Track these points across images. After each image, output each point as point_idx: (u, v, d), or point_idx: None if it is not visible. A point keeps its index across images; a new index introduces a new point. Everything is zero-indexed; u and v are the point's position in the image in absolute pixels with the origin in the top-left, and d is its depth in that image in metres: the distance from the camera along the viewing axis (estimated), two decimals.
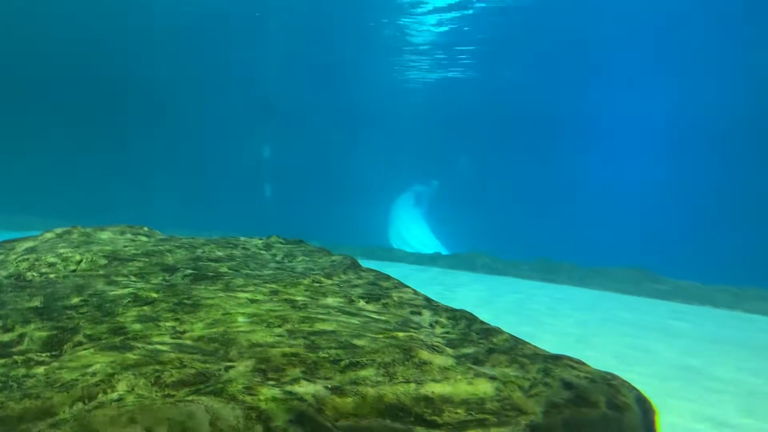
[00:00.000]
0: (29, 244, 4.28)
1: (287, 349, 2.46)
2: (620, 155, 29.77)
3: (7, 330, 2.75)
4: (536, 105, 26.71)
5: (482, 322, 3.00)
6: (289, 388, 2.13)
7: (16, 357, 2.46)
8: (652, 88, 23.52)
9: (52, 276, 3.55)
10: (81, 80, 26.55)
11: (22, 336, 2.71)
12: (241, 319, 2.83)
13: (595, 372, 2.39)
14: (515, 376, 2.28)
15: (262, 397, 2.04)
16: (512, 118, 28.31)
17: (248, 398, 2.03)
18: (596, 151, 29.90)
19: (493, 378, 2.24)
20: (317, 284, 3.71)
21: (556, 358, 2.47)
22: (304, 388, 2.13)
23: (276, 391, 2.09)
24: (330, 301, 3.33)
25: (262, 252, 4.88)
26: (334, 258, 4.70)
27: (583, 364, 2.46)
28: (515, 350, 2.57)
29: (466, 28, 19.60)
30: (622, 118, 26.93)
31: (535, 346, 2.66)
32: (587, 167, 30.30)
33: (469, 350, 2.56)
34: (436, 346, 2.54)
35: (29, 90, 26.88)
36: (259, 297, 3.24)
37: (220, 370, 2.29)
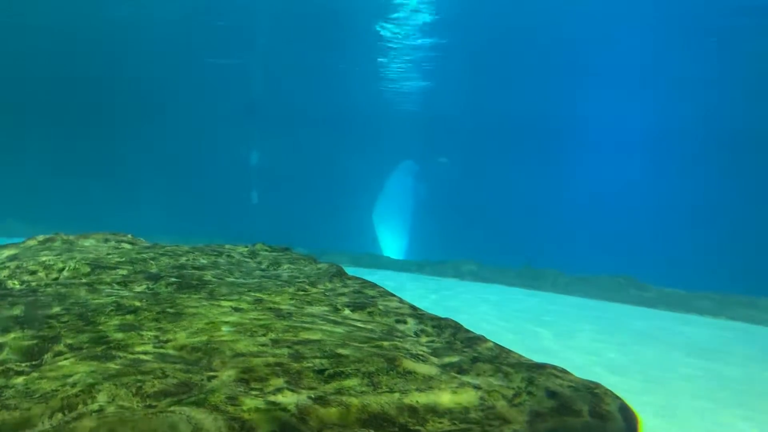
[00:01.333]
0: (11, 251, 4.23)
1: (271, 359, 2.45)
2: (606, 161, 30.00)
3: None
4: (521, 109, 26.82)
5: (467, 331, 3.01)
6: (272, 398, 2.12)
7: None
8: (638, 94, 23.74)
9: (33, 284, 3.51)
10: (65, 84, 26.37)
11: (1, 345, 2.67)
12: (224, 328, 2.81)
13: (578, 381, 2.40)
14: (499, 386, 2.29)
15: (245, 408, 2.02)
16: (500, 122, 28.42)
17: (231, 408, 2.01)
18: (582, 157, 30.12)
19: (477, 387, 2.24)
20: (302, 293, 3.70)
21: (540, 367, 2.47)
22: (288, 398, 2.12)
23: (259, 402, 2.07)
24: (315, 309, 3.32)
25: (247, 260, 4.86)
26: (320, 266, 4.69)
27: (567, 372, 2.47)
28: (499, 359, 2.58)
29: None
30: (610, 123, 27.15)
31: (519, 355, 2.67)
32: (573, 173, 30.50)
33: (454, 359, 2.56)
34: (421, 355, 2.53)
35: (13, 95, 26.65)
36: (244, 306, 3.22)
37: (202, 380, 2.28)
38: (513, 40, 20.05)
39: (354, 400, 2.12)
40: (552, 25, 18.48)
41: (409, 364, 2.38)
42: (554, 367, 2.49)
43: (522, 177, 30.63)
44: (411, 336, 2.98)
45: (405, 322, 3.16)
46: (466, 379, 2.32)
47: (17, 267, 3.74)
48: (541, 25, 18.67)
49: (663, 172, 28.91)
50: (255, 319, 2.97)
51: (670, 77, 21.65)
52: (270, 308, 3.22)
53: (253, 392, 2.17)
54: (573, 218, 29.30)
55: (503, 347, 2.76)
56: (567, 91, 24.43)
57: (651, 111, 25.08)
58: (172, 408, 2.02)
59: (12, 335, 2.72)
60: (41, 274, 3.69)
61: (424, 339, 2.94)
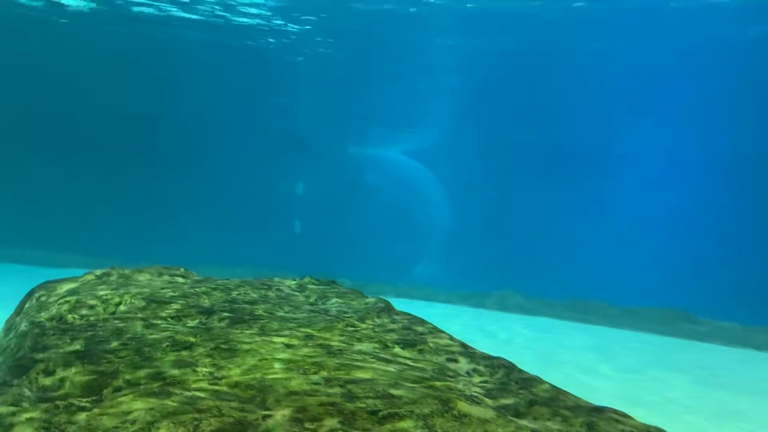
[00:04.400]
0: (70, 285, 4.36)
1: (324, 398, 2.44)
2: (657, 188, 29.28)
3: (48, 374, 2.79)
4: (570, 137, 26.62)
5: (521, 371, 2.95)
6: None
7: (57, 402, 2.49)
8: (692, 121, 23.33)
9: (92, 318, 3.60)
10: (115, 116, 27.40)
11: (63, 380, 2.74)
12: (277, 365, 2.83)
13: (640, 426, 2.32)
14: (558, 430, 2.23)
15: None
16: (547, 149, 28.17)
17: None
18: (632, 184, 29.46)
19: None
20: (351, 328, 3.70)
21: (600, 411, 2.40)
22: None
23: None
24: (365, 346, 3.31)
25: (295, 293, 4.89)
26: (367, 300, 4.69)
27: (629, 417, 2.39)
28: (556, 402, 2.51)
29: None
30: (664, 149, 26.65)
31: (576, 397, 2.60)
32: (622, 201, 29.85)
33: (509, 401, 2.51)
34: (475, 397, 2.49)
35: (63, 129, 27.80)
36: (295, 342, 3.24)
37: (257, 419, 2.29)
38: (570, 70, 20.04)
39: None
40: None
41: (464, 406, 2.34)
42: (614, 411, 2.41)
43: (568, 206, 30.17)
44: (463, 375, 2.94)
45: (456, 361, 3.12)
46: (523, 423, 2.27)
47: (77, 301, 3.86)
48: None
49: (717, 200, 28.07)
50: (306, 356, 2.98)
51: (723, 103, 21.23)
52: (321, 345, 3.23)
53: None
54: (622, 248, 28.61)
55: (559, 389, 2.69)
56: (620, 118, 24.21)
57: (704, 138, 24.55)
58: None
59: (73, 370, 2.79)
60: (99, 309, 3.80)
61: (476, 379, 2.89)
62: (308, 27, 18.60)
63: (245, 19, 18.30)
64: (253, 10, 17.43)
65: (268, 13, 17.65)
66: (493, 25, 17.38)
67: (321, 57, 21.67)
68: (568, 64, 20.60)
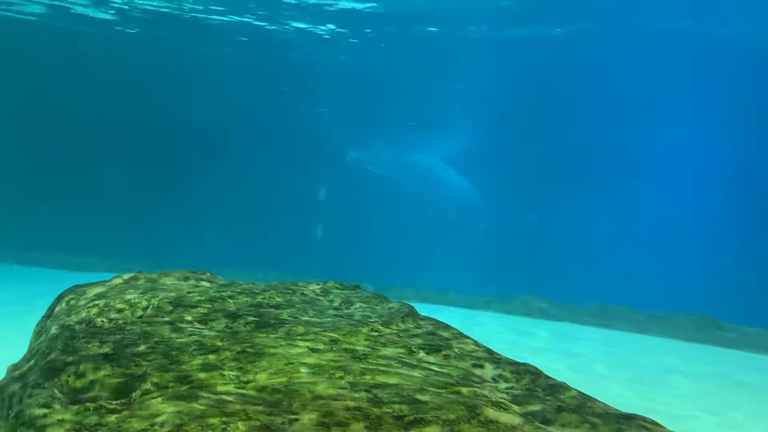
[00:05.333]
0: (99, 289, 4.43)
1: (350, 403, 2.45)
2: (682, 192, 28.85)
3: (79, 376, 2.83)
4: (592, 140, 26.39)
5: (547, 377, 2.92)
6: None
7: (88, 404, 2.52)
8: (715, 124, 22.99)
9: (120, 322, 3.65)
10: (138, 123, 27.81)
11: (93, 382, 2.78)
12: (303, 369, 2.84)
13: None
14: None
15: None
16: (570, 153, 27.94)
17: None
18: (656, 188, 29.08)
19: None
20: (376, 333, 3.70)
21: (629, 418, 2.37)
22: None
23: None
24: (389, 351, 3.31)
25: (319, 298, 4.91)
26: (391, 305, 4.69)
27: (658, 425, 2.36)
28: (584, 408, 2.49)
29: None
30: (688, 153, 26.28)
31: (605, 404, 2.57)
32: (646, 204, 29.47)
33: (536, 407, 2.49)
34: (502, 403, 2.48)
35: (90, 134, 28.27)
36: (320, 346, 3.25)
37: (284, 422, 2.30)
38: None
39: None
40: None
41: (491, 412, 2.33)
42: (644, 419, 2.38)
43: (593, 210, 29.86)
44: (489, 381, 2.92)
45: (482, 367, 3.11)
46: (550, 429, 2.25)
47: (105, 305, 3.92)
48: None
49: (743, 204, 27.56)
50: (332, 360, 2.99)
51: (748, 107, 20.88)
52: (346, 349, 3.24)
53: None
54: (646, 252, 28.23)
55: (588, 395, 2.66)
56: (641, 121, 23.95)
57: (729, 142, 24.16)
58: None
59: (102, 372, 2.83)
60: (127, 312, 3.85)
61: (502, 385, 2.88)
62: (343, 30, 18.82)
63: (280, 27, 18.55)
64: (301, 24, 17.73)
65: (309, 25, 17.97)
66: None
67: (342, 63, 21.84)
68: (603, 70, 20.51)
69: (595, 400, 2.62)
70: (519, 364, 3.14)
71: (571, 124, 25.46)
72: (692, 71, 20.20)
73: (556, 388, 2.76)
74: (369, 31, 18.23)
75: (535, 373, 2.97)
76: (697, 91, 21.39)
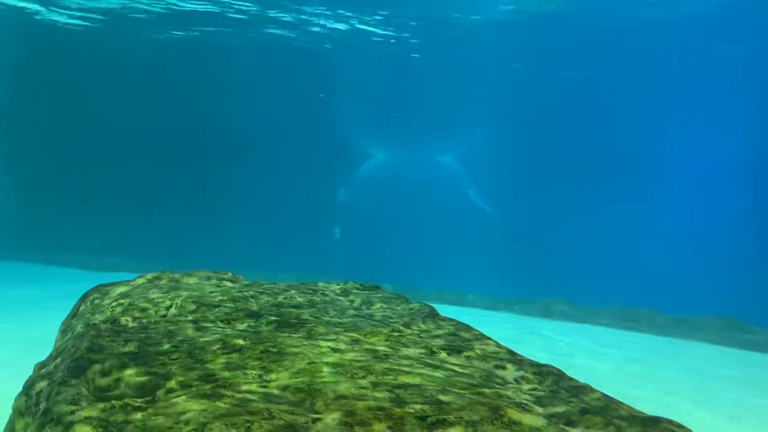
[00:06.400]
0: (123, 289, 4.48)
1: (372, 403, 2.45)
2: (706, 192, 28.42)
3: (104, 374, 2.87)
4: (616, 142, 26.18)
5: (570, 379, 2.90)
6: None
7: (114, 402, 2.56)
8: (736, 123, 22.65)
9: (144, 321, 3.69)
10: (164, 124, 28.12)
11: (118, 380, 2.81)
12: (325, 369, 2.85)
13: None
14: None
15: None
16: (593, 154, 27.71)
17: None
18: (680, 188, 28.69)
19: None
20: (397, 333, 3.70)
21: (655, 421, 2.34)
22: None
23: None
24: (411, 352, 3.31)
25: (340, 298, 4.92)
26: (411, 306, 4.68)
27: (684, 428, 2.32)
28: (609, 411, 2.46)
29: None
30: (713, 153, 25.92)
31: (630, 407, 2.54)
32: (669, 205, 29.09)
33: (560, 409, 2.47)
34: (525, 405, 2.46)
35: (112, 136, 28.65)
36: (342, 346, 3.25)
37: (307, 422, 2.30)
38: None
39: None
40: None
41: (514, 413, 2.31)
42: (670, 422, 2.35)
43: (615, 212, 29.55)
44: (511, 383, 2.90)
45: (504, 368, 3.09)
46: (575, 431, 2.23)
47: (129, 304, 3.96)
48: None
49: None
50: (354, 360, 2.99)
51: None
52: (367, 349, 3.24)
53: None
54: (669, 254, 27.86)
55: (612, 398, 2.64)
56: (662, 123, 23.68)
57: (754, 142, 23.79)
58: None
59: (128, 371, 2.86)
60: (151, 312, 3.89)
61: (525, 386, 2.86)
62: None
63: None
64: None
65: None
66: None
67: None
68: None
69: (620, 402, 2.59)
70: (541, 365, 3.11)
71: (594, 124, 25.27)
72: (724, 68, 19.93)
73: (579, 389, 2.74)
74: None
75: (558, 375, 2.94)
76: (726, 90, 21.09)
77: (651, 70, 20.62)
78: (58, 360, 3.38)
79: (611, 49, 19.40)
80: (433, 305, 4.80)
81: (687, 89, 21.48)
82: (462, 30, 18.10)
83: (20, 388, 3.12)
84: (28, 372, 3.48)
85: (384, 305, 4.73)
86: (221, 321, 3.71)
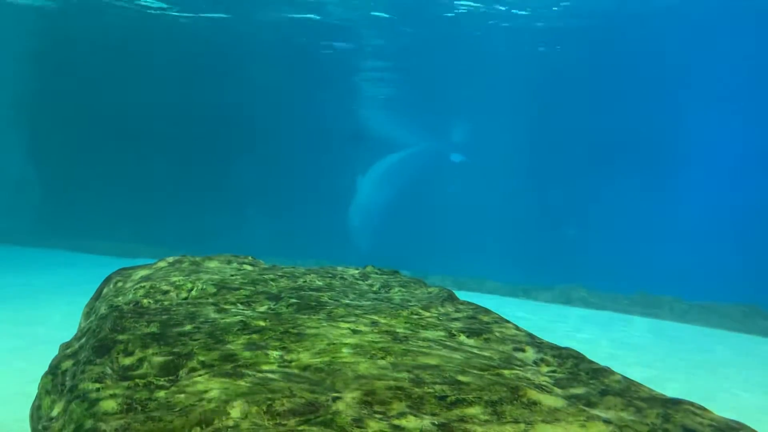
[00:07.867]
0: (144, 272, 4.54)
1: (392, 383, 2.46)
2: (729, 178, 27.98)
3: (128, 354, 2.92)
4: (638, 125, 25.85)
5: (590, 362, 2.89)
6: (396, 422, 2.13)
7: (137, 380, 2.60)
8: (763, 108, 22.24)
9: (166, 303, 3.74)
10: (181, 112, 28.32)
11: (141, 360, 2.86)
12: (345, 350, 2.87)
13: (720, 419, 2.24)
14: (632, 421, 2.17)
15: (370, 431, 2.05)
16: (615, 138, 27.39)
17: (357, 431, 2.04)
18: (703, 173, 28.26)
19: (607, 422, 2.14)
20: (416, 316, 3.71)
21: (676, 403, 2.32)
22: (412, 423, 2.12)
23: (383, 425, 2.09)
24: (430, 334, 3.31)
25: (359, 282, 4.94)
26: (430, 290, 4.69)
27: (706, 410, 2.31)
28: (629, 392, 2.45)
29: None
30: (738, 137, 25.48)
31: (650, 389, 2.52)
32: (691, 190, 28.68)
33: (580, 391, 2.46)
34: (544, 386, 2.46)
35: (134, 126, 28.92)
36: (361, 328, 3.27)
37: (327, 400, 2.33)
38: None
39: (478, 429, 2.09)
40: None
41: (534, 394, 2.31)
42: (691, 404, 2.33)
43: (637, 197, 29.22)
44: (530, 365, 2.90)
45: (523, 351, 3.09)
46: (595, 412, 2.22)
47: (151, 287, 4.02)
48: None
49: None
50: (373, 341, 3.01)
51: None
52: (386, 331, 3.25)
53: (377, 415, 2.19)
54: (692, 240, 27.51)
55: (632, 380, 2.62)
56: (684, 105, 23.35)
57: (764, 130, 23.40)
58: (301, 428, 2.08)
59: (150, 351, 2.91)
60: (172, 294, 3.94)
61: (544, 368, 2.85)
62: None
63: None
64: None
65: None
66: None
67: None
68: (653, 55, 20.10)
69: (640, 384, 2.58)
70: (561, 348, 3.11)
71: (619, 108, 24.96)
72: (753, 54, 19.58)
73: (599, 372, 2.73)
74: None
75: (578, 358, 2.93)
76: (751, 82, 20.72)
77: (668, 57, 20.29)
78: (83, 340, 3.44)
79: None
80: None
81: (707, 75, 21.12)
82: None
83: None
84: (53, 353, 3.56)
85: (403, 289, 4.74)
86: (242, 303, 3.75)
